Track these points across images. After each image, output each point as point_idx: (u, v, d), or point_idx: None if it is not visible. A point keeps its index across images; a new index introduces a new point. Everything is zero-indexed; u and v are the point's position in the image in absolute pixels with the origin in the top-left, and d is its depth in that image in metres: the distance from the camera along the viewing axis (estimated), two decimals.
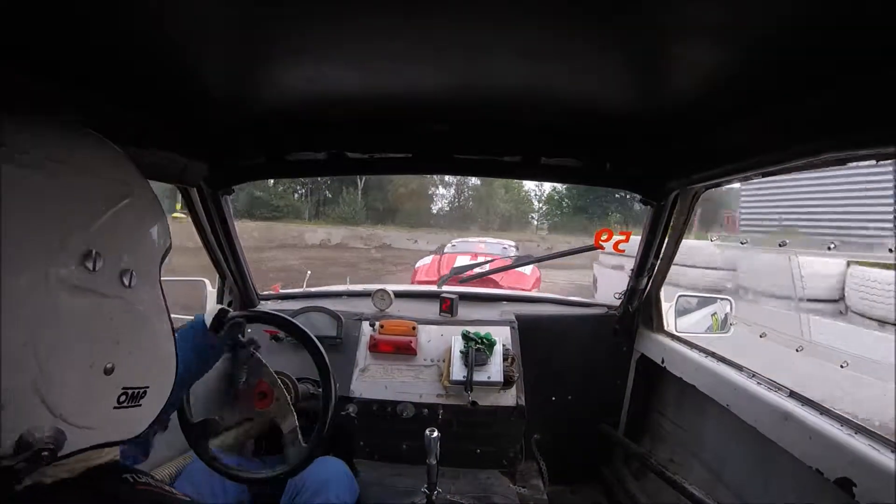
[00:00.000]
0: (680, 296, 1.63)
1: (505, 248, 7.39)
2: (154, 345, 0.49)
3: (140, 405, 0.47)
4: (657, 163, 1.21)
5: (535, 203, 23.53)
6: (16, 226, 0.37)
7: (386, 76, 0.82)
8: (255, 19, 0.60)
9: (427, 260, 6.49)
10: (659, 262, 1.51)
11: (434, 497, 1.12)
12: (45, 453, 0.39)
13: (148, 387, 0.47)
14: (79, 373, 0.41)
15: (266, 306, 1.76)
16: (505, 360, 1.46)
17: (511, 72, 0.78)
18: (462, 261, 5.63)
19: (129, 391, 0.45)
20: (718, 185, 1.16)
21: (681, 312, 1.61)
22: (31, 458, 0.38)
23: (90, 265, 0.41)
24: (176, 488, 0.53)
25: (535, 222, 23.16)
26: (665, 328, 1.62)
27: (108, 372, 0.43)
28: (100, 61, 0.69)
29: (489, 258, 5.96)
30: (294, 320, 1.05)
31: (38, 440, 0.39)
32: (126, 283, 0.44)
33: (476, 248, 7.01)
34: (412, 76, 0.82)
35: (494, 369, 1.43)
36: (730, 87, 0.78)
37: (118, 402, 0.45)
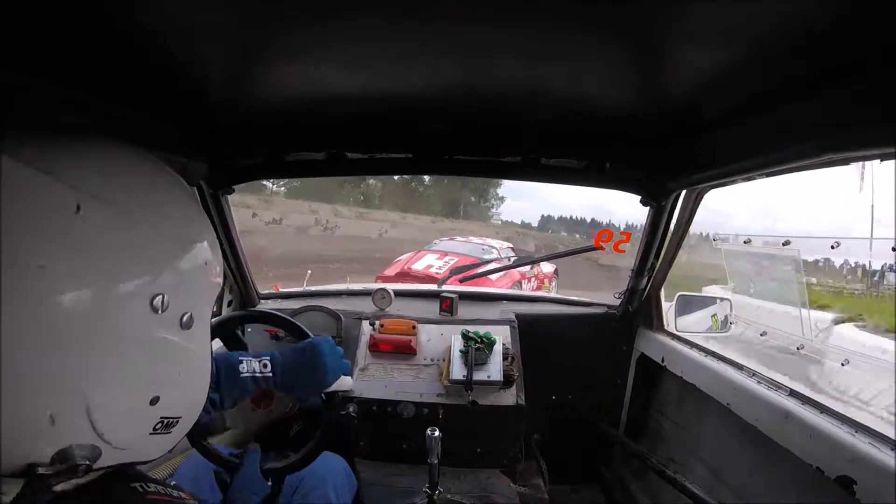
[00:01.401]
0: (680, 295, 1.63)
1: (484, 248, 7.35)
2: (195, 380, 0.51)
3: (170, 433, 0.49)
4: (657, 163, 1.21)
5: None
6: (89, 266, 0.40)
7: (386, 76, 0.82)
8: (256, 19, 0.60)
9: (403, 257, 6.88)
10: (660, 262, 1.51)
11: (435, 497, 1.12)
12: (81, 467, 0.41)
13: (181, 417, 0.50)
14: (129, 401, 0.44)
15: (266, 305, 1.76)
16: (505, 359, 1.46)
17: (511, 72, 0.78)
18: (429, 260, 6.50)
19: (165, 420, 0.48)
20: (720, 185, 1.15)
21: (681, 312, 1.61)
22: (66, 471, 0.40)
23: (157, 308, 0.44)
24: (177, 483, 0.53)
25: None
26: (665, 327, 1.62)
27: (153, 402, 0.45)
28: (100, 61, 0.69)
29: (455, 257, 6.56)
30: (294, 320, 1.05)
31: (77, 455, 0.40)
32: (184, 325, 0.47)
33: (447, 249, 7.12)
34: (412, 76, 0.82)
35: (494, 369, 1.43)
36: (730, 87, 0.78)
37: (154, 429, 0.47)
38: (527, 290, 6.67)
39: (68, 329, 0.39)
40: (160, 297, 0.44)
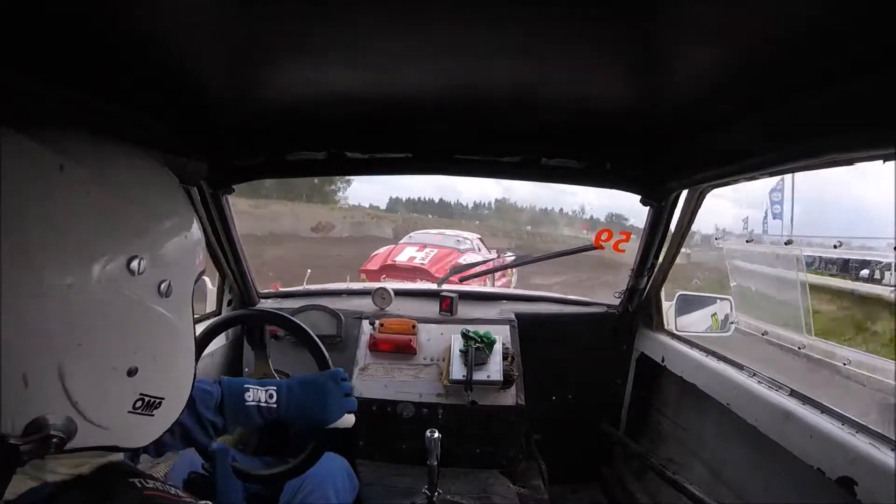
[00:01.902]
0: (680, 295, 1.63)
1: (459, 240, 7.94)
2: (176, 358, 0.50)
3: (153, 416, 0.48)
4: (657, 163, 1.20)
5: None
6: (70, 227, 0.41)
7: (386, 76, 0.82)
8: (256, 19, 0.60)
9: (380, 251, 7.31)
10: (660, 261, 1.51)
11: (435, 498, 1.12)
12: (55, 440, 0.39)
13: (163, 398, 0.48)
14: (104, 367, 0.43)
15: (266, 304, 1.76)
16: (504, 359, 1.45)
17: (511, 72, 0.78)
18: (410, 252, 6.94)
19: (146, 398, 0.46)
20: (720, 185, 1.15)
21: (681, 311, 1.61)
22: (40, 443, 0.39)
23: (134, 270, 0.43)
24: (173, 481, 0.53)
25: None
26: (665, 327, 1.62)
27: (130, 373, 0.44)
28: (100, 61, 0.68)
29: (435, 248, 7.07)
30: (294, 319, 1.05)
31: (51, 426, 0.39)
32: (162, 292, 0.46)
33: (426, 242, 7.57)
34: (412, 76, 0.82)
35: (494, 368, 1.43)
36: (730, 87, 0.78)
37: (133, 406, 0.45)
38: (496, 278, 6.62)
39: (40, 284, 0.38)
40: (137, 259, 0.43)
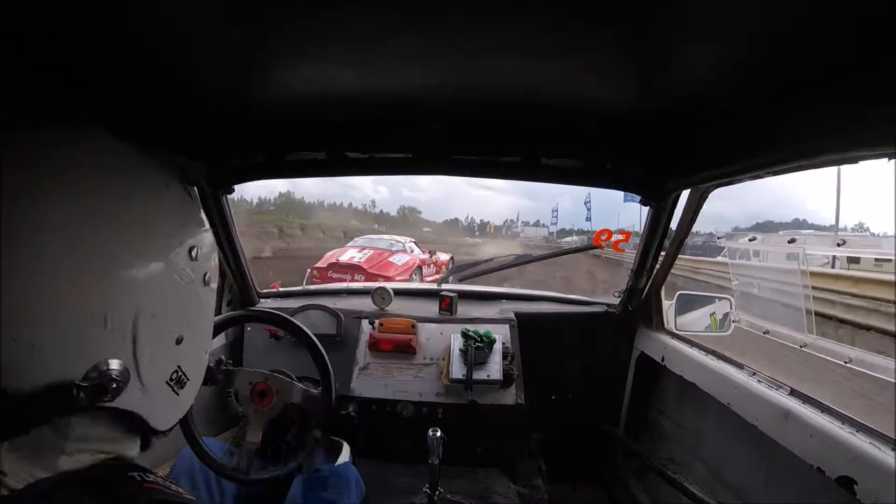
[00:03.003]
0: (680, 294, 1.63)
1: (392, 243, 9.36)
2: (204, 340, 0.58)
3: (178, 394, 0.52)
4: (657, 163, 1.20)
5: None
6: (159, 222, 0.51)
7: (386, 76, 0.82)
8: (256, 19, 0.60)
9: (331, 252, 8.76)
10: (660, 261, 1.51)
11: (436, 496, 1.12)
12: (114, 385, 0.43)
13: (189, 379, 0.54)
14: (164, 326, 0.49)
15: (266, 304, 1.76)
16: (504, 358, 1.45)
17: (511, 72, 0.78)
18: (348, 255, 8.35)
19: (179, 372, 0.52)
20: (720, 185, 1.15)
21: (681, 311, 1.61)
22: (98, 387, 0.43)
23: (194, 257, 0.52)
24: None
25: None
26: (665, 326, 1.62)
27: (178, 342, 0.51)
28: (100, 61, 0.68)
29: (371, 250, 8.62)
30: (293, 319, 1.05)
31: (112, 370, 0.43)
32: (206, 281, 0.55)
33: (365, 245, 9.09)
34: (412, 76, 0.82)
35: (494, 368, 1.43)
36: (730, 87, 0.78)
37: (170, 377, 0.51)
38: (427, 275, 8.77)
39: (133, 243, 0.46)
40: (196, 248, 0.52)
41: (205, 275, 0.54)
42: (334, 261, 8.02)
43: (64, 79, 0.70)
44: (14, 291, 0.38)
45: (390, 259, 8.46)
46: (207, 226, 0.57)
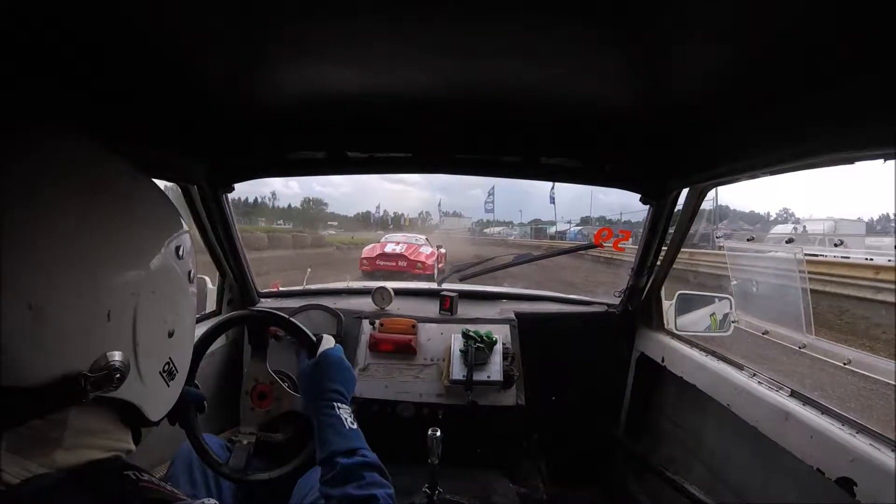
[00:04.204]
0: (680, 294, 1.63)
1: (416, 238, 11.62)
2: (190, 333, 0.60)
3: (168, 386, 0.55)
4: (657, 162, 1.20)
5: None
6: (148, 224, 0.53)
7: (386, 76, 0.82)
8: (256, 19, 0.60)
9: (369, 246, 11.27)
10: (660, 260, 1.51)
11: (435, 497, 1.12)
12: (118, 375, 0.46)
13: (178, 371, 0.56)
14: (159, 319, 0.52)
15: (266, 304, 1.76)
16: (505, 358, 1.45)
17: (511, 71, 0.78)
18: (389, 247, 10.69)
19: (171, 364, 0.54)
20: (720, 184, 1.15)
21: (681, 311, 1.61)
22: (104, 378, 0.45)
23: (180, 254, 0.55)
24: (170, 483, 0.54)
25: None
26: (665, 326, 1.62)
27: (170, 335, 0.53)
28: (100, 61, 0.68)
29: (404, 244, 10.87)
30: (294, 319, 1.05)
31: (115, 362, 0.46)
32: (191, 278, 0.57)
33: (395, 239, 11.39)
34: (412, 75, 0.82)
35: (494, 368, 1.43)
36: (730, 87, 0.78)
37: (162, 368, 0.53)
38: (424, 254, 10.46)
39: (129, 247, 0.49)
40: (181, 248, 0.55)
41: (189, 272, 0.57)
42: (381, 252, 10.31)
43: (63, 79, 0.69)
44: (27, 291, 0.40)
45: (420, 249, 10.64)
46: (186, 227, 0.59)
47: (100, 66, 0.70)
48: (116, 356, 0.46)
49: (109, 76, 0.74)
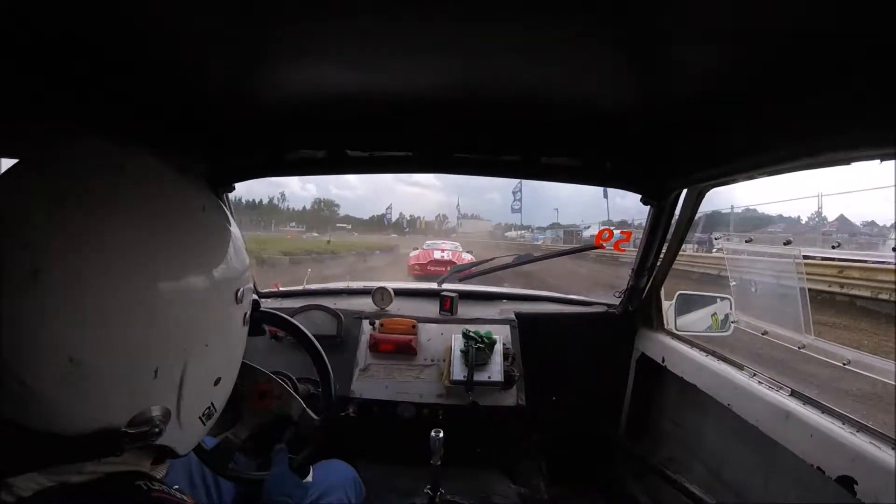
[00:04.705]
0: (680, 294, 1.63)
1: (456, 245, 13.22)
2: (236, 371, 0.57)
3: (205, 425, 0.52)
4: (657, 163, 1.20)
5: None
6: (214, 254, 0.49)
7: (386, 75, 0.82)
8: (256, 19, 0.60)
9: (415, 251, 12.30)
10: (660, 261, 1.51)
11: (437, 497, 1.12)
12: (157, 429, 0.44)
13: (216, 411, 0.54)
14: (208, 371, 0.49)
15: (266, 304, 1.76)
16: (505, 359, 1.45)
17: (511, 71, 0.78)
18: (437, 254, 11.58)
19: (211, 408, 0.52)
20: (720, 184, 1.15)
21: (681, 311, 1.61)
22: (142, 433, 0.44)
23: (238, 298, 0.51)
24: (169, 482, 0.53)
25: None
26: (665, 326, 1.62)
27: (216, 383, 0.51)
28: (100, 61, 0.68)
29: (449, 251, 11.96)
30: (293, 320, 1.05)
31: (154, 417, 0.44)
32: (245, 321, 0.54)
33: (441, 247, 12.66)
34: (412, 75, 0.82)
35: (495, 369, 1.43)
36: (730, 87, 0.78)
37: (203, 412, 0.51)
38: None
39: (185, 299, 0.45)
40: (241, 290, 0.51)
41: (245, 315, 0.53)
42: (431, 258, 11.29)
43: (62, 79, 0.69)
44: (66, 344, 0.39)
45: (463, 255, 11.75)
46: (246, 256, 0.55)
47: (99, 66, 0.70)
48: (157, 411, 0.45)
49: (109, 76, 0.74)
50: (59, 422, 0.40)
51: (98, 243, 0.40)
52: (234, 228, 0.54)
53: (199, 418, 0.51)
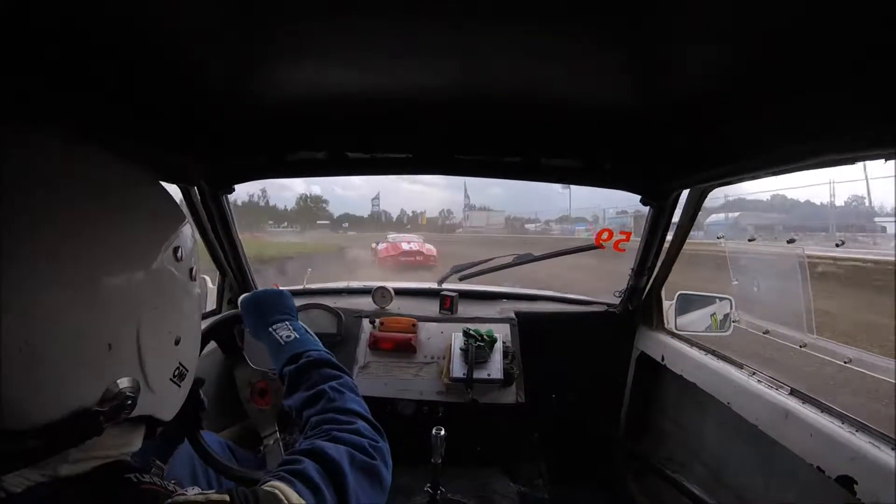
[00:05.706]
0: (680, 294, 1.63)
1: (418, 237, 13.95)
2: (196, 330, 0.58)
3: (179, 386, 0.54)
4: (657, 163, 1.20)
5: None
6: (140, 239, 0.49)
7: (386, 76, 0.82)
8: (256, 19, 0.60)
9: (382, 245, 13.51)
10: (660, 260, 1.51)
11: (438, 496, 1.12)
12: (129, 401, 0.45)
13: (188, 370, 0.55)
14: (164, 331, 0.50)
15: None
16: (505, 357, 1.45)
17: (511, 72, 0.78)
18: (405, 245, 13.27)
19: (181, 367, 0.53)
20: (720, 185, 1.15)
21: (681, 311, 1.61)
22: (117, 407, 0.44)
23: (178, 255, 0.52)
24: (171, 478, 0.54)
25: None
26: (665, 326, 1.62)
27: (176, 342, 0.52)
28: (100, 61, 0.68)
29: (414, 242, 13.76)
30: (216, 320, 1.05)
31: (124, 389, 0.45)
32: (192, 276, 0.55)
33: (406, 239, 13.80)
34: (412, 76, 0.82)
35: (495, 367, 1.43)
36: (730, 87, 0.78)
37: (173, 374, 0.52)
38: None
39: (120, 268, 0.45)
40: (180, 249, 0.52)
41: (190, 270, 0.54)
42: (401, 249, 12.43)
43: (62, 79, 0.69)
44: (17, 332, 0.38)
45: (426, 245, 12.85)
46: (184, 216, 0.57)
47: (99, 66, 0.70)
48: (125, 382, 0.45)
49: (109, 76, 0.74)
50: (27, 417, 0.40)
51: (26, 223, 0.40)
52: (160, 187, 0.55)
53: (171, 380, 0.52)
